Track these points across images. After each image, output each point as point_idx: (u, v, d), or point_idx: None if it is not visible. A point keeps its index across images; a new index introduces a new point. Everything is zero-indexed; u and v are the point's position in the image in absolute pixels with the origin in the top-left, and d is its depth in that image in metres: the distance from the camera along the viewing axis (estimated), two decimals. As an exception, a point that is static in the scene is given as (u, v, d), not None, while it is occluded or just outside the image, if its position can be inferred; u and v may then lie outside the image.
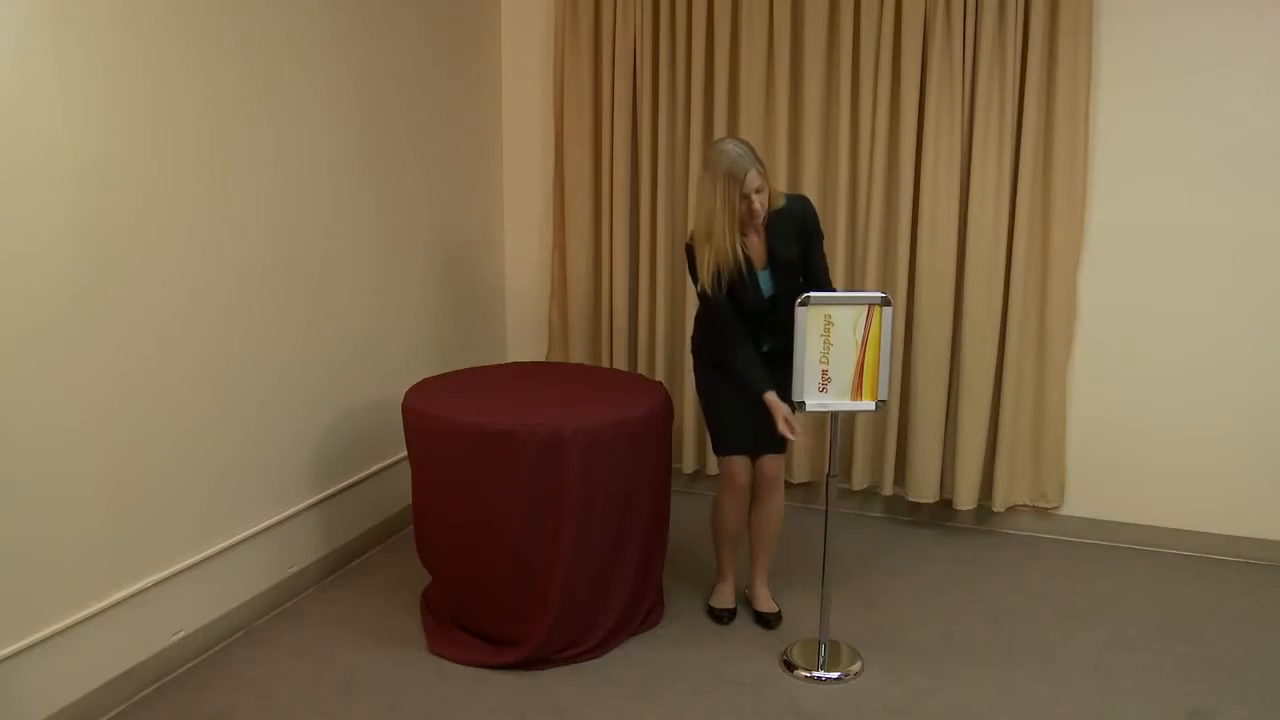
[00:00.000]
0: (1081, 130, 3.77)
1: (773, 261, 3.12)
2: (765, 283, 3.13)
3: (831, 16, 3.95)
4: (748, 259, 3.08)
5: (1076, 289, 3.91)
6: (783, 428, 3.00)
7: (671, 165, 4.23)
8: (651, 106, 4.23)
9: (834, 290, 3.20)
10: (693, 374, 3.46)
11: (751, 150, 2.98)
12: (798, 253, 3.13)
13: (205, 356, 3.06)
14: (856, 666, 3.12)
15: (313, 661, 3.11)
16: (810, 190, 4.00)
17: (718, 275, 3.04)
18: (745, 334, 3.12)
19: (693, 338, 3.36)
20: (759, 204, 2.98)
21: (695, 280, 3.13)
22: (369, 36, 3.68)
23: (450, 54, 4.18)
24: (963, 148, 3.88)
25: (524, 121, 4.56)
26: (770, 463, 3.28)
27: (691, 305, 4.24)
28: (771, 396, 3.02)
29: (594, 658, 3.14)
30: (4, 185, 2.43)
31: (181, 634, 3.06)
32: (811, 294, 2.96)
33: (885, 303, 2.92)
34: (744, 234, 3.07)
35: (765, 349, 3.17)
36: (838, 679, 3.07)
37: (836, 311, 2.94)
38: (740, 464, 3.24)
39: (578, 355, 4.50)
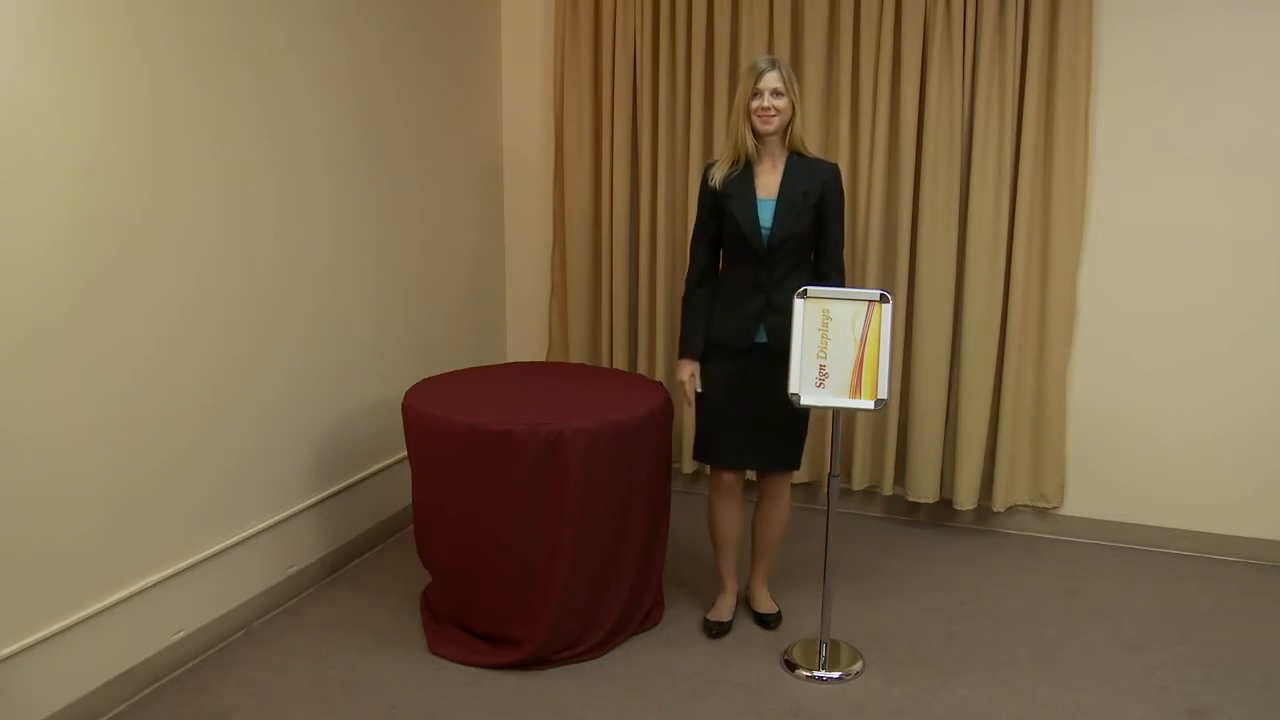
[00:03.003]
0: (1081, 130, 3.77)
1: (781, 194, 3.06)
2: (765, 213, 3.07)
3: (831, 16, 3.96)
4: (753, 184, 3.07)
5: (1076, 289, 3.91)
6: (685, 388, 3.19)
7: (671, 165, 4.23)
8: (651, 106, 4.23)
9: (842, 271, 3.17)
10: None
11: (785, 64, 3.03)
12: (811, 200, 3.06)
13: (205, 357, 3.06)
14: (857, 666, 3.12)
15: (313, 661, 3.11)
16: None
17: (727, 178, 3.08)
18: (710, 277, 3.20)
19: None
20: (772, 105, 2.99)
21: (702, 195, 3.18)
22: (369, 37, 3.68)
23: (450, 55, 4.18)
24: (963, 148, 3.88)
25: (524, 121, 4.56)
26: (774, 478, 3.25)
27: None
28: (686, 363, 3.18)
29: (594, 658, 3.14)
30: (4, 185, 2.43)
31: (181, 634, 3.06)
32: (809, 287, 2.96)
33: (885, 299, 2.92)
34: (759, 158, 3.08)
35: (767, 302, 3.10)
36: (838, 679, 3.07)
37: (835, 306, 2.93)
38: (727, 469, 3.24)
39: (578, 355, 4.50)
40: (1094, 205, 3.86)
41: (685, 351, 3.21)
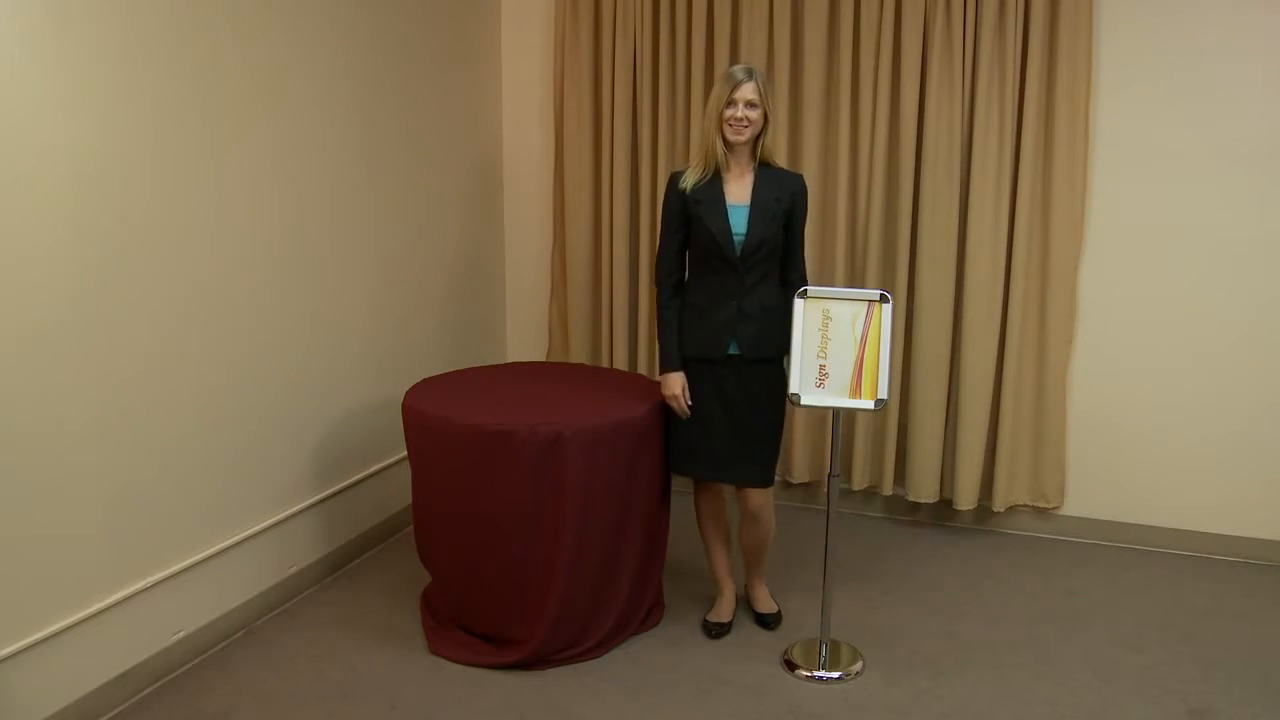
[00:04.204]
0: (1081, 130, 3.77)
1: (752, 201, 3.05)
2: (738, 219, 3.04)
3: (831, 17, 3.96)
4: (723, 191, 3.05)
5: (1076, 289, 3.91)
6: (679, 404, 3.10)
7: (671, 165, 4.23)
8: (651, 106, 4.23)
9: (805, 279, 3.18)
10: None
11: (762, 74, 3.01)
12: (781, 207, 3.06)
13: (205, 357, 3.06)
14: (857, 666, 3.12)
15: (313, 661, 3.11)
16: (810, 190, 3.95)
17: (697, 185, 3.04)
18: (681, 288, 3.16)
19: None
20: (745, 115, 2.97)
21: (664, 215, 3.14)
22: (369, 37, 3.68)
23: (450, 55, 4.18)
24: (963, 148, 3.88)
25: (524, 121, 4.56)
26: (753, 496, 3.20)
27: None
28: (670, 377, 3.10)
29: (594, 658, 3.14)
30: (4, 186, 2.43)
31: (181, 634, 3.06)
32: (809, 287, 2.96)
33: (885, 299, 2.92)
34: (728, 166, 3.05)
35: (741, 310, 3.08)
36: (838, 679, 3.07)
37: (835, 306, 2.93)
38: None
39: (578, 355, 4.50)
40: (1094, 205, 3.86)
41: (669, 365, 3.13)
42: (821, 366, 2.93)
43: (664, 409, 3.20)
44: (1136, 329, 3.89)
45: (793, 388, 2.92)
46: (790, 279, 3.14)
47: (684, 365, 3.14)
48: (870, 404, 2.92)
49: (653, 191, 4.28)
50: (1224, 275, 3.77)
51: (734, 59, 4.07)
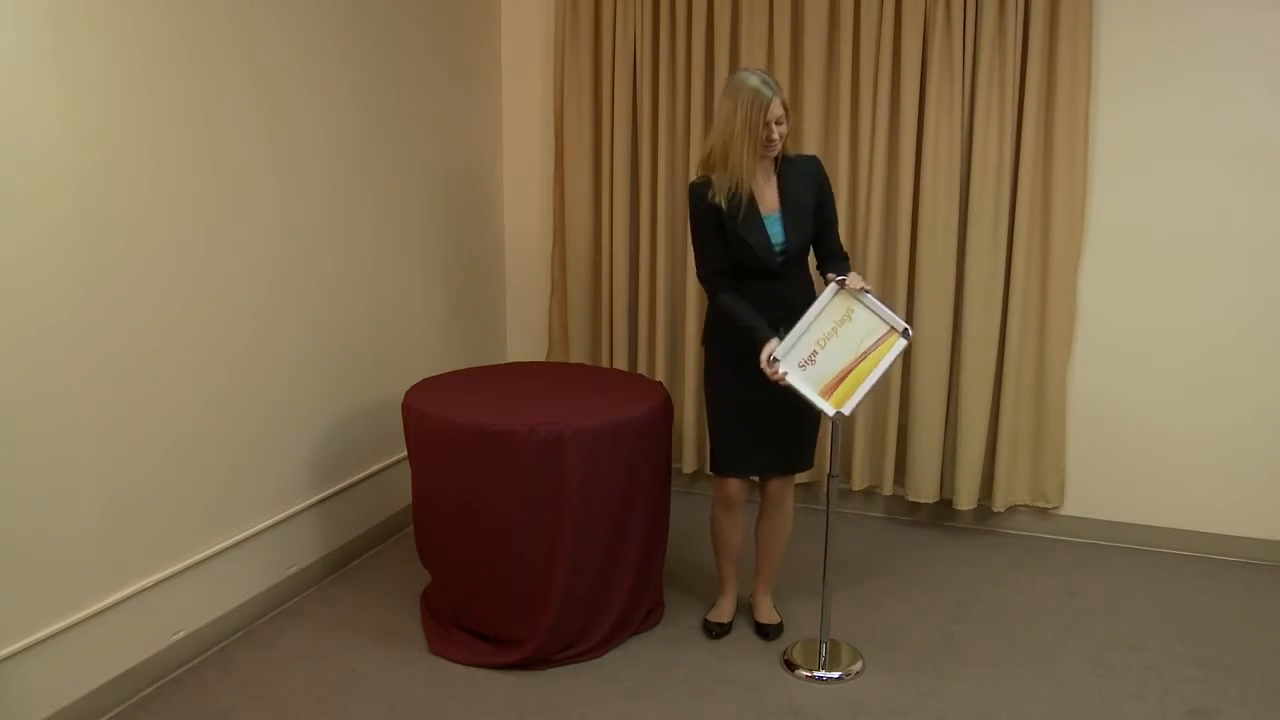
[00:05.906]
0: (1081, 130, 3.77)
1: (785, 206, 2.99)
2: (775, 229, 2.99)
3: (831, 17, 3.95)
4: (755, 202, 2.96)
5: (1076, 288, 3.91)
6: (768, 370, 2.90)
7: (671, 165, 4.23)
8: (651, 106, 4.23)
9: (846, 255, 3.12)
10: (701, 373, 3.33)
11: (776, 82, 2.92)
12: (812, 202, 3.02)
13: (205, 357, 3.06)
14: (857, 666, 3.12)
15: (313, 661, 3.11)
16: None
17: (731, 197, 2.93)
18: (732, 281, 3.02)
19: (704, 328, 3.23)
20: (778, 135, 2.90)
21: (693, 226, 3.01)
22: (369, 36, 3.68)
23: (450, 54, 4.18)
24: (963, 147, 3.88)
25: (524, 121, 4.56)
26: (776, 483, 3.21)
27: (692, 304, 4.26)
28: (769, 344, 2.91)
29: (594, 658, 3.14)
30: (4, 185, 2.43)
31: (181, 634, 3.06)
32: (850, 275, 2.94)
33: (905, 334, 2.90)
34: (754, 175, 2.95)
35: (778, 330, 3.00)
36: (838, 679, 3.07)
37: (860, 312, 2.92)
38: (735, 483, 3.19)
39: (578, 355, 4.50)
40: (1094, 205, 3.86)
41: (763, 334, 2.92)
42: (814, 353, 2.91)
43: (666, 411, 3.20)
44: (1136, 329, 3.89)
45: (779, 352, 2.87)
46: (829, 256, 3.08)
47: (723, 364, 3.09)
48: (832, 410, 2.87)
49: (652, 191, 4.28)
50: (1224, 275, 3.77)
51: (734, 59, 4.07)
